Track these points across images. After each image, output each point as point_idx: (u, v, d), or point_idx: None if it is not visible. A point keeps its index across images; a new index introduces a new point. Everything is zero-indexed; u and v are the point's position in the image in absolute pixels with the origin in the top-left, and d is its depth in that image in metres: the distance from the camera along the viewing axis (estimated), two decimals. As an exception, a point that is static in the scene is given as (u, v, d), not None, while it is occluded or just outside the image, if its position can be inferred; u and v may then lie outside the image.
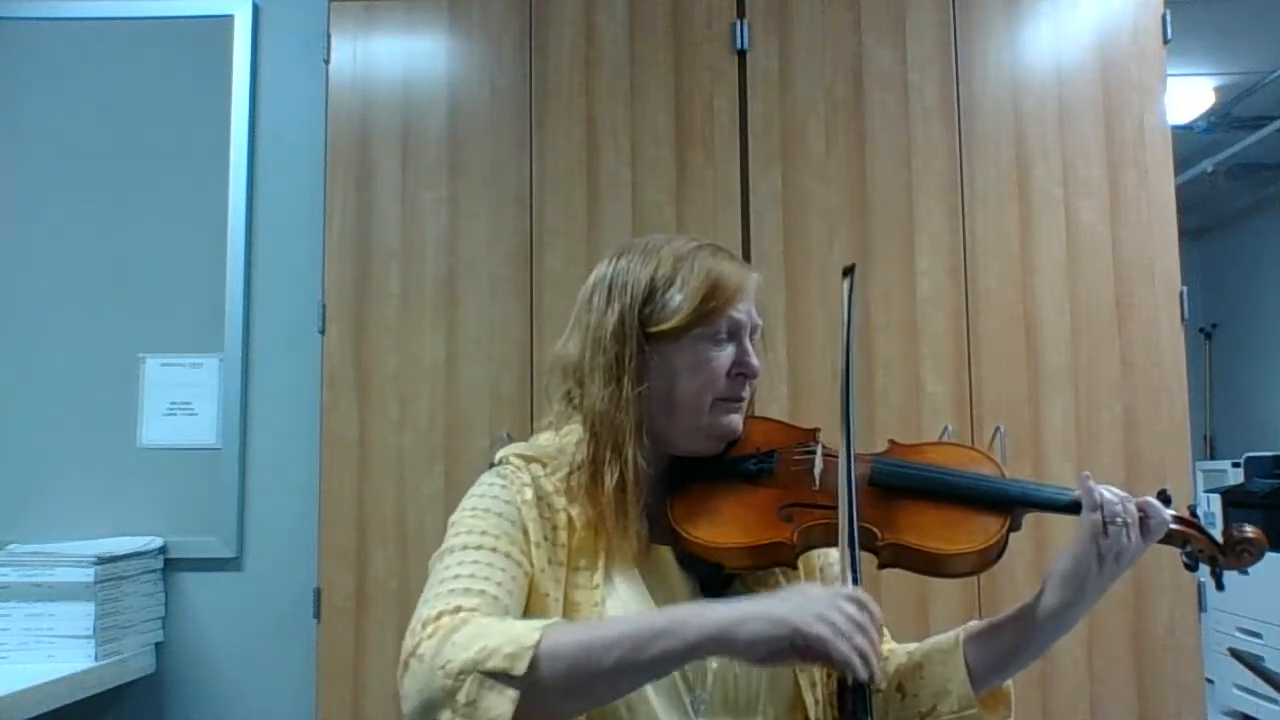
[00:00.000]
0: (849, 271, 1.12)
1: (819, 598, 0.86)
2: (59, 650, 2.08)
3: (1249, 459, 4.55)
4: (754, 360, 1.10)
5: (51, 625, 2.09)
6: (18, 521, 2.37)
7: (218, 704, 2.35)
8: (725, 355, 1.08)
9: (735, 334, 1.09)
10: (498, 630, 0.85)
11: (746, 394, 1.11)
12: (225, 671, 2.36)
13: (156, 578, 2.33)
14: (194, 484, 2.39)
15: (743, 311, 1.09)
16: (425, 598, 0.94)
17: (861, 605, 0.85)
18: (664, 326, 1.06)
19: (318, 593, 2.18)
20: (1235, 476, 4.73)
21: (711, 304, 1.06)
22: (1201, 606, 2.09)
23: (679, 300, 1.07)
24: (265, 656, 2.35)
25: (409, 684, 0.86)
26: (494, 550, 0.99)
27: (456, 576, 0.95)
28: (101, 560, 2.12)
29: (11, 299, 2.45)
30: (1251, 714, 4.16)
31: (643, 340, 1.07)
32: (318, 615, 2.18)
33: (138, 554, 2.27)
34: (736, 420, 1.10)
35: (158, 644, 2.34)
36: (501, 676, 0.82)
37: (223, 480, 2.40)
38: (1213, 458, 5.57)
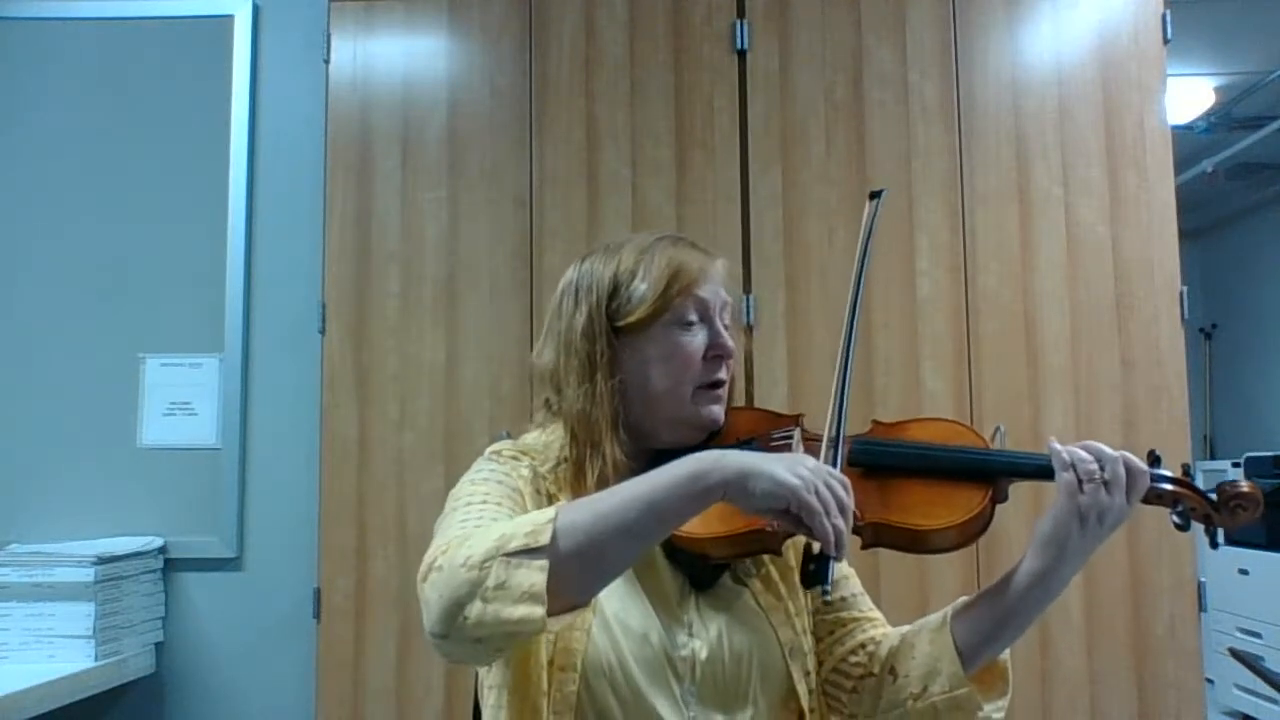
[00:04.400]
0: (876, 195, 1.13)
1: (818, 471, 0.88)
2: (59, 650, 2.08)
3: (1249, 459, 4.55)
4: (727, 340, 1.10)
5: (51, 625, 2.09)
6: (18, 521, 2.36)
7: (218, 704, 2.35)
8: (698, 339, 1.08)
9: (705, 315, 1.09)
10: (509, 522, 0.87)
11: (724, 376, 1.11)
12: (225, 671, 2.36)
13: (156, 578, 2.33)
14: (194, 484, 2.39)
15: (709, 292, 1.09)
16: (435, 541, 0.93)
17: (847, 489, 0.89)
18: (631, 319, 1.07)
19: (318, 593, 2.19)
20: (1235, 476, 4.72)
21: (676, 288, 1.07)
22: (1201, 606, 2.09)
23: (643, 290, 1.07)
24: (265, 656, 2.35)
25: (429, 591, 0.86)
26: (500, 504, 1.00)
27: (465, 520, 0.96)
28: (101, 560, 2.12)
29: (11, 299, 2.45)
30: (1251, 714, 4.16)
31: (611, 336, 1.08)
32: (318, 615, 2.18)
33: (138, 554, 2.26)
34: (718, 410, 1.11)
35: (158, 644, 2.34)
36: (526, 552, 0.83)
37: (223, 480, 2.40)
38: (1213, 458, 5.57)
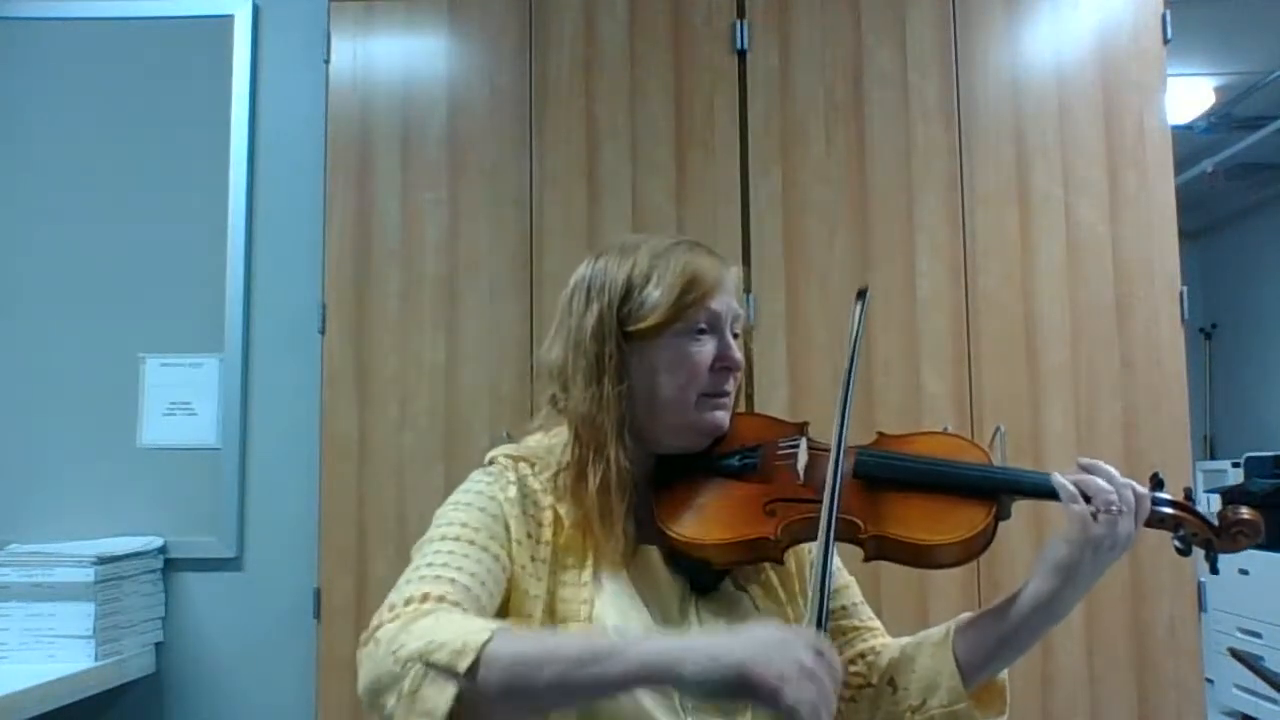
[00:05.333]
0: (862, 295, 1.12)
1: (775, 639, 0.82)
2: (59, 650, 2.08)
3: (1249, 459, 4.55)
4: (736, 353, 1.09)
5: (51, 625, 2.09)
6: (18, 521, 2.36)
7: (218, 704, 2.35)
8: (706, 350, 1.08)
9: (715, 327, 1.09)
10: (452, 625, 0.86)
11: (730, 388, 1.10)
12: (225, 671, 2.36)
13: (156, 578, 2.33)
14: (194, 484, 2.39)
15: (722, 304, 1.08)
16: (399, 583, 0.95)
17: (819, 652, 0.81)
18: (643, 325, 1.06)
19: (318, 593, 2.18)
20: (1235, 476, 4.73)
21: (689, 298, 1.06)
22: (1201, 606, 2.09)
23: (656, 297, 1.06)
24: (265, 656, 2.35)
25: (363, 661, 0.88)
26: (472, 543, 0.99)
27: (430, 564, 0.96)
28: (101, 560, 2.12)
29: (12, 299, 2.45)
30: (1251, 714, 4.16)
31: (621, 340, 1.07)
32: (318, 615, 2.18)
33: (138, 554, 2.26)
34: (722, 416, 1.10)
35: (158, 644, 2.34)
36: (444, 671, 0.82)
37: (223, 480, 2.40)
38: (1213, 458, 5.57)
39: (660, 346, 1.07)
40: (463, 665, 0.81)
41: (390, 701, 0.84)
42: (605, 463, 1.04)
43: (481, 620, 0.88)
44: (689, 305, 1.06)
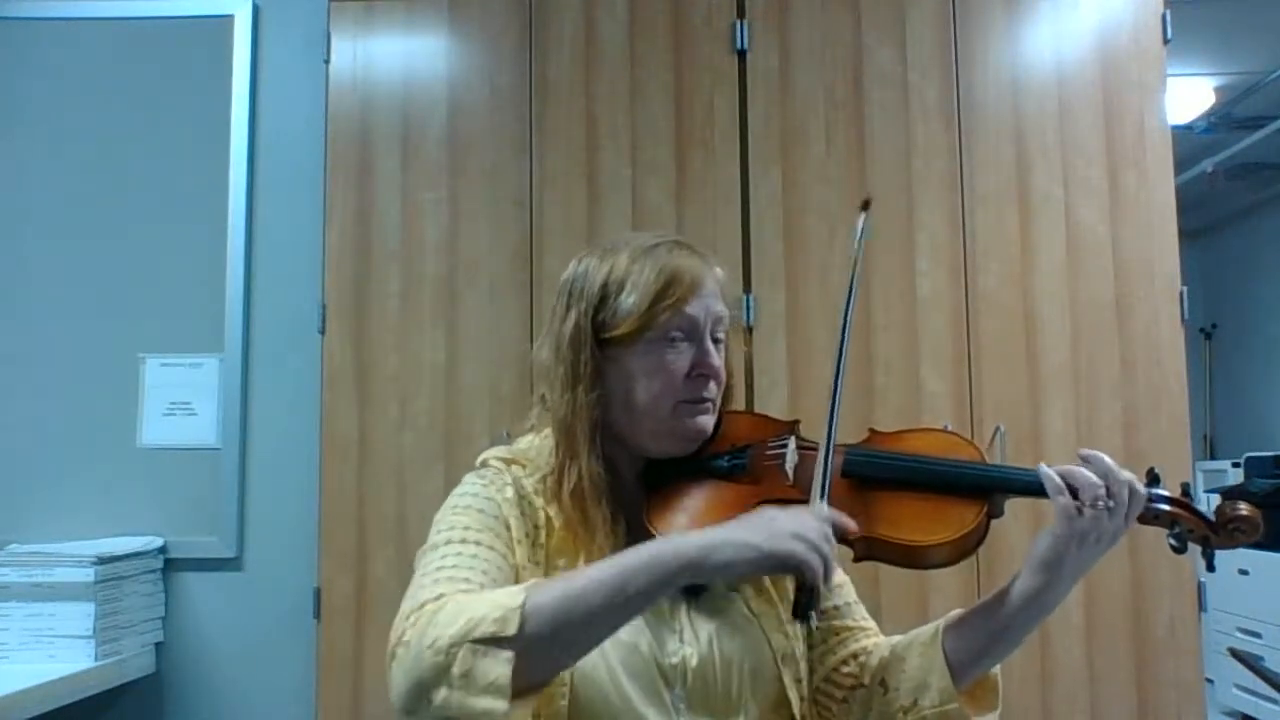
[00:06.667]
0: (866, 206, 1.12)
1: (788, 517, 0.91)
2: (59, 650, 2.08)
3: (1249, 459, 4.55)
4: (714, 360, 1.07)
5: (51, 625, 2.09)
6: (18, 521, 2.36)
7: (218, 704, 2.35)
8: (683, 357, 1.06)
9: (692, 333, 1.07)
10: (480, 601, 0.86)
11: (710, 394, 1.09)
12: (225, 671, 2.36)
13: (156, 578, 2.33)
14: (194, 484, 2.39)
15: (699, 308, 1.06)
16: (409, 592, 0.94)
17: (826, 519, 0.93)
18: (616, 333, 1.05)
19: (318, 593, 2.19)
20: (1235, 476, 4.73)
21: (663, 304, 1.04)
22: (1201, 606, 2.09)
23: (630, 304, 1.05)
24: (265, 656, 2.35)
25: (396, 671, 0.85)
26: (478, 544, 0.99)
27: (440, 569, 0.95)
28: (101, 560, 2.12)
29: (12, 299, 2.45)
30: (1251, 714, 4.16)
31: (596, 348, 1.06)
32: (318, 615, 2.18)
33: (138, 554, 2.27)
34: (703, 421, 1.08)
35: (158, 644, 2.34)
36: (493, 641, 0.82)
37: (223, 480, 2.40)
38: (1213, 458, 5.57)
39: (635, 354, 1.06)
40: (511, 627, 0.82)
41: (440, 695, 0.82)
42: (578, 471, 1.04)
43: (501, 589, 0.89)
44: (662, 312, 1.05)
